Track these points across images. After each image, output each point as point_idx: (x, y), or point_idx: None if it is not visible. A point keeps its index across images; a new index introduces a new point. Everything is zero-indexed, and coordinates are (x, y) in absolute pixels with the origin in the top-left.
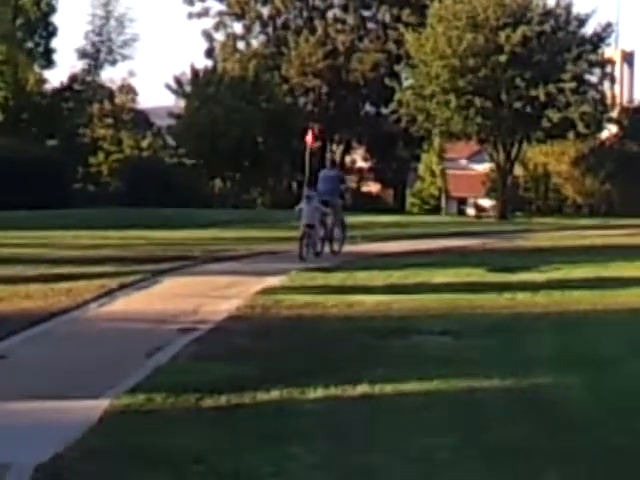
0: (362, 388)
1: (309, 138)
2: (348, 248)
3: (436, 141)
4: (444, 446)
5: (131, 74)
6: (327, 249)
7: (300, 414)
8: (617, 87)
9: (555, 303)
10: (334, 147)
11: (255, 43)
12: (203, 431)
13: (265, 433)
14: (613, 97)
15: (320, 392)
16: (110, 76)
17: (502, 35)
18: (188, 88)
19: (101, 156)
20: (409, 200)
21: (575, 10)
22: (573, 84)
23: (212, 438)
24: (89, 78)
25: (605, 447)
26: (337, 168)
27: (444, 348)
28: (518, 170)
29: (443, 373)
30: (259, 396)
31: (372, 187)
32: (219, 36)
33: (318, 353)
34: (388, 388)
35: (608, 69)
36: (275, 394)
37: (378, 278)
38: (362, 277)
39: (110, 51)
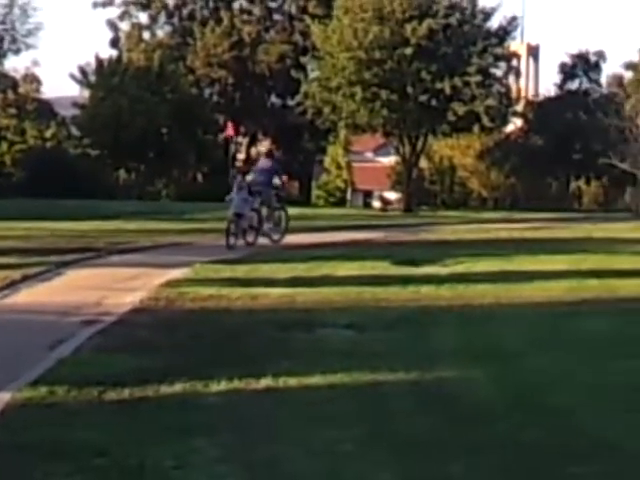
0: (266, 381)
1: (230, 130)
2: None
3: (342, 133)
4: (348, 439)
5: (35, 63)
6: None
7: (204, 407)
8: (522, 81)
9: (459, 296)
10: (240, 139)
11: (160, 33)
12: (106, 424)
13: (168, 426)
14: (518, 91)
15: (224, 385)
16: (14, 65)
17: (408, 28)
18: (93, 78)
19: (4, 146)
20: (315, 192)
21: (481, 4)
22: (478, 77)
23: (115, 431)
24: None
25: (510, 441)
26: (274, 160)
27: (348, 341)
28: (424, 163)
29: (347, 366)
30: (163, 389)
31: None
32: (124, 26)
33: (222, 346)
34: (292, 381)
35: (513, 63)
36: (179, 387)
37: (282, 271)
38: (267, 270)
39: (14, 40)
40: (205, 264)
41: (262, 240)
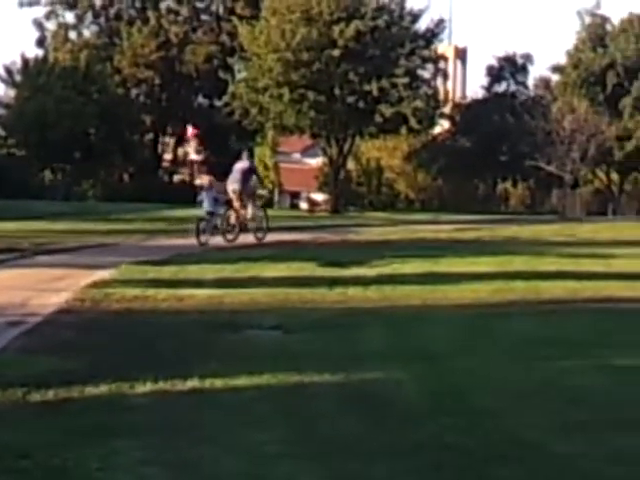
0: (192, 382)
1: (190, 132)
2: (181, 241)
3: (269, 134)
4: (274, 440)
5: None
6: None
7: (129, 408)
8: (450, 83)
9: (386, 298)
10: (166, 139)
11: (87, 33)
12: (30, 426)
13: (93, 428)
14: (446, 93)
15: (150, 386)
16: None
17: (336, 29)
18: (18, 77)
19: None
20: None
21: (408, 6)
22: (406, 79)
23: (39, 433)
24: None
25: (434, 442)
26: (251, 160)
27: (275, 342)
28: (351, 164)
29: (274, 367)
30: (88, 390)
31: (205, 180)
32: (50, 25)
33: (148, 347)
34: (218, 382)
35: (441, 65)
36: (104, 388)
37: (210, 272)
38: (194, 270)
39: None
40: (131, 265)
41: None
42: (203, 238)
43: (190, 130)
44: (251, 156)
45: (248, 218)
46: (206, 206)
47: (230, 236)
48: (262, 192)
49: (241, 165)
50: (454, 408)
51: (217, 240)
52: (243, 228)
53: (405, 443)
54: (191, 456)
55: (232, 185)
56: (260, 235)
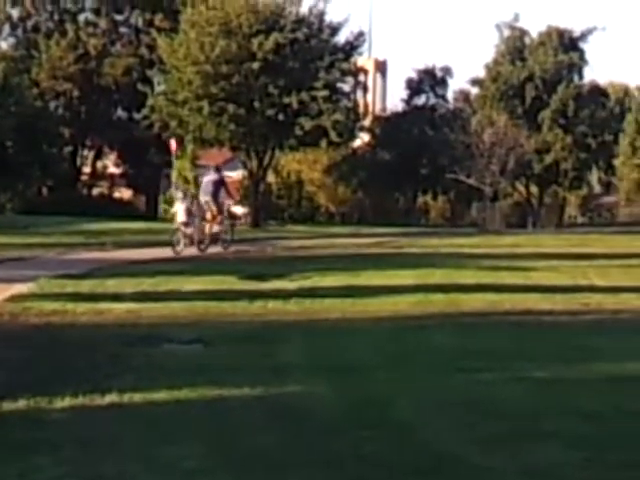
0: (111, 397)
1: (172, 145)
2: (98, 255)
3: (189, 147)
4: (192, 455)
5: None
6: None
7: (47, 423)
8: (370, 96)
9: (306, 311)
10: (85, 152)
11: (4, 45)
12: None
13: (10, 443)
14: (366, 106)
15: (68, 401)
16: None
17: (255, 42)
18: None
19: None
20: (162, 207)
21: (328, 18)
22: (326, 92)
23: None
24: None
25: (353, 455)
26: (219, 173)
27: (194, 356)
28: (271, 177)
29: (193, 382)
30: (5, 405)
31: (124, 193)
32: None
33: (67, 361)
34: (137, 397)
35: (361, 78)
36: (22, 403)
37: (129, 285)
38: (112, 284)
39: None
40: (50, 279)
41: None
42: (178, 248)
43: (173, 144)
44: (217, 170)
45: (219, 229)
46: (180, 217)
47: (202, 246)
48: (236, 208)
49: (211, 177)
50: (374, 421)
51: (192, 250)
52: (215, 238)
53: (325, 456)
54: (111, 471)
55: (204, 197)
56: (226, 245)
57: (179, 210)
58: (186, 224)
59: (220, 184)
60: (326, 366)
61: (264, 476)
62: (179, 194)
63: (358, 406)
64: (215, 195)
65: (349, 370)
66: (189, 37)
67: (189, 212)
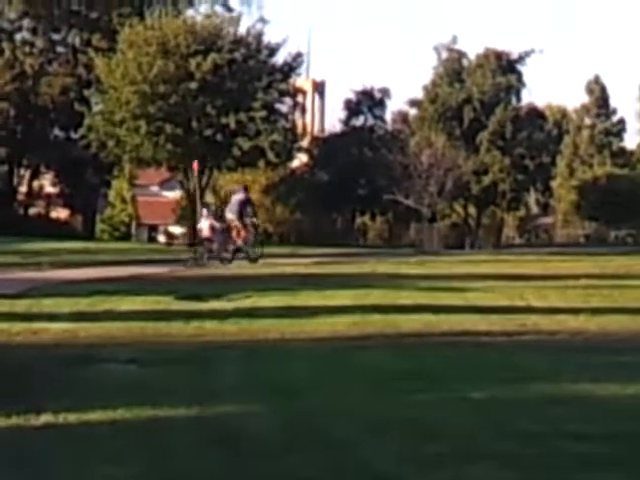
0: (46, 417)
1: (195, 166)
2: (34, 275)
3: (127, 167)
4: (128, 476)
5: None
6: None
7: None
8: (308, 117)
9: (244, 331)
10: (22, 172)
11: None
12: None
13: None
14: (304, 126)
15: (2, 421)
16: None
17: (193, 62)
18: None
19: None
20: (99, 227)
21: (266, 39)
22: (263, 113)
23: None
24: None
25: (292, 477)
26: (246, 193)
27: (130, 377)
28: (209, 197)
29: (128, 402)
30: None
31: (61, 213)
32: None
33: (1, 381)
34: (72, 417)
35: (299, 99)
36: None
37: (65, 305)
38: (48, 304)
39: None
40: None
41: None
42: (201, 262)
43: (195, 164)
44: (246, 189)
45: (243, 244)
46: (204, 233)
47: (226, 260)
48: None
49: (238, 197)
50: (311, 442)
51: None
52: (237, 253)
53: (261, 477)
54: None
55: (229, 215)
56: (253, 259)
57: (203, 227)
58: (209, 240)
59: (246, 203)
60: (263, 387)
61: None
62: (204, 211)
63: (296, 427)
64: (241, 213)
65: (287, 391)
66: (127, 57)
67: (212, 229)
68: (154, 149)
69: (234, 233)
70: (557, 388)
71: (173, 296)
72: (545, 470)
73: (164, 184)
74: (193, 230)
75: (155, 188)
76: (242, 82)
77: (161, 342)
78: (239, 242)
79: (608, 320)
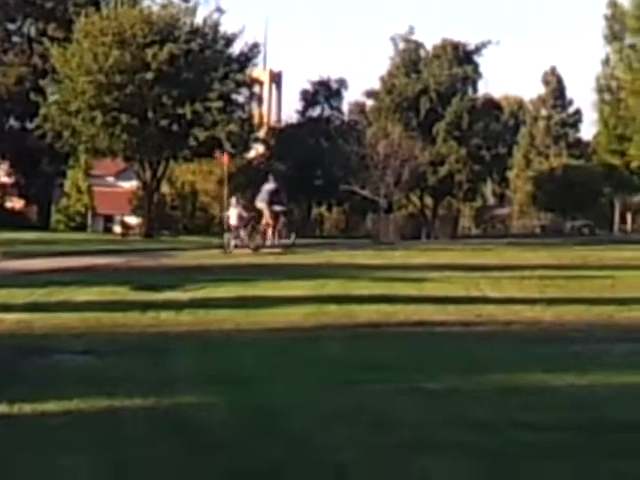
0: (1, 408)
1: (225, 159)
2: None
3: (82, 157)
4: (83, 466)
5: None
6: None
7: None
8: (265, 107)
9: (199, 322)
10: None
11: None
12: None
13: None
14: (260, 117)
15: None
16: None
17: (149, 52)
18: None
19: None
20: (54, 217)
21: (222, 29)
22: (220, 103)
23: None
24: None
25: (246, 466)
26: (276, 182)
27: (85, 367)
28: (165, 188)
29: (84, 392)
30: None
31: (16, 203)
32: None
33: None
34: (27, 408)
35: (256, 89)
36: None
37: (20, 296)
38: (3, 294)
39: None
40: None
41: None
42: (228, 249)
43: (225, 157)
44: (276, 179)
45: (273, 233)
46: (232, 221)
47: (253, 246)
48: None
49: (268, 186)
50: (266, 432)
51: (242, 251)
52: (265, 240)
53: (216, 467)
54: None
55: (260, 203)
56: (285, 247)
57: (231, 215)
58: (237, 227)
59: (277, 192)
60: (219, 377)
61: None
62: (232, 200)
63: (251, 417)
64: (270, 202)
65: (242, 381)
66: (82, 47)
67: (240, 217)
68: (110, 139)
69: (264, 222)
70: (513, 378)
71: (129, 287)
72: (501, 460)
73: (120, 174)
74: (149, 221)
75: (111, 178)
76: (198, 72)
77: (117, 332)
78: (269, 230)
79: (564, 310)
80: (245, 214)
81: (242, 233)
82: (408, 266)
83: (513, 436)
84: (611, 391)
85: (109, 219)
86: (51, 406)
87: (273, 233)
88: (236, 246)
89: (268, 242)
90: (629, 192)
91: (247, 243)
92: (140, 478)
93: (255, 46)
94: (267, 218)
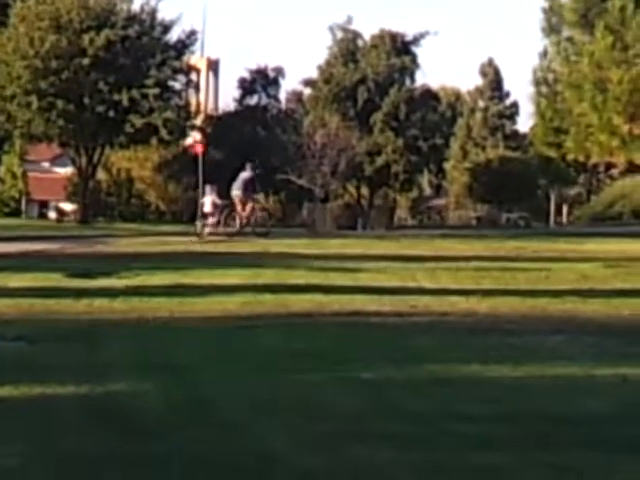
0: None
1: (198, 149)
2: None
3: (17, 143)
4: (14, 454)
5: None
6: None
7: None
8: (202, 95)
9: (133, 309)
10: None
11: None
12: None
13: None
14: (198, 105)
15: None
16: None
17: (86, 38)
18: None
19: None
20: None
21: (160, 16)
22: (157, 90)
23: None
24: None
25: (184, 454)
26: (253, 171)
27: (18, 354)
28: (101, 175)
29: (16, 380)
30: None
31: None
32: None
33: None
34: None
35: (193, 76)
36: None
37: None
38: None
39: None
40: None
41: None
42: (202, 234)
43: (198, 147)
44: (254, 168)
45: (247, 219)
46: (206, 208)
47: (230, 231)
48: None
49: (245, 175)
50: (200, 420)
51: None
52: (243, 227)
53: (150, 455)
54: None
55: (235, 191)
56: (259, 233)
57: (206, 202)
58: (211, 214)
59: (252, 181)
60: (153, 365)
61: (90, 476)
62: (207, 187)
63: (184, 406)
64: (245, 190)
65: (176, 370)
66: (18, 31)
67: (214, 204)
68: (45, 125)
69: (239, 208)
70: (448, 369)
71: (63, 273)
72: (436, 451)
73: (55, 160)
74: (84, 207)
75: (46, 164)
76: (135, 59)
77: (50, 319)
78: (244, 217)
79: (499, 302)
80: (219, 201)
81: (213, 219)
82: (344, 256)
83: (448, 427)
84: (545, 383)
85: (44, 205)
86: None
87: (241, 220)
88: (210, 233)
89: (242, 229)
90: (565, 184)
91: (221, 230)
92: (72, 467)
93: (193, 33)
94: (241, 204)
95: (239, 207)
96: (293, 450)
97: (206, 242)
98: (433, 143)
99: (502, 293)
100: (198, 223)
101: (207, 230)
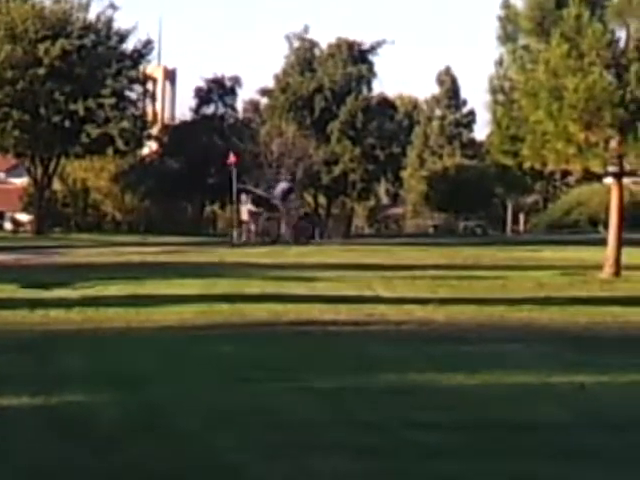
0: None
1: (231, 159)
2: None
3: None
4: None
5: None
6: None
7: None
8: (158, 104)
9: (89, 320)
10: None
11: None
12: None
13: None
14: (154, 114)
15: None
16: None
17: (41, 48)
18: None
19: None
20: None
21: (116, 25)
22: (113, 100)
23: None
24: None
25: (141, 466)
26: (291, 182)
27: None
28: (57, 185)
29: None
30: None
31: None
32: None
33: None
34: None
35: (149, 86)
36: None
37: None
38: None
39: None
40: None
41: None
42: (235, 241)
43: (231, 158)
44: (292, 180)
45: (294, 229)
46: (243, 217)
47: (267, 240)
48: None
49: (283, 185)
50: (156, 431)
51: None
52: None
53: (106, 467)
54: None
55: (274, 200)
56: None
57: (242, 210)
58: (247, 222)
59: (290, 191)
60: (109, 376)
61: None
62: (242, 197)
63: (140, 417)
64: (284, 200)
65: (132, 381)
66: None
67: (250, 213)
68: (1, 135)
69: (276, 217)
70: (404, 378)
71: (18, 284)
72: (392, 460)
73: (11, 170)
74: (39, 218)
75: (1, 174)
76: (91, 68)
77: (5, 330)
78: (284, 226)
79: (455, 310)
80: (255, 210)
81: (252, 227)
82: (301, 265)
83: (405, 436)
84: (501, 391)
85: None
86: None
87: (279, 229)
88: (245, 241)
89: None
90: (522, 192)
91: (256, 238)
92: (27, 478)
93: (149, 43)
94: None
95: (280, 217)
96: (250, 459)
97: (240, 249)
98: (390, 152)
99: (459, 301)
100: (235, 231)
101: (243, 238)
